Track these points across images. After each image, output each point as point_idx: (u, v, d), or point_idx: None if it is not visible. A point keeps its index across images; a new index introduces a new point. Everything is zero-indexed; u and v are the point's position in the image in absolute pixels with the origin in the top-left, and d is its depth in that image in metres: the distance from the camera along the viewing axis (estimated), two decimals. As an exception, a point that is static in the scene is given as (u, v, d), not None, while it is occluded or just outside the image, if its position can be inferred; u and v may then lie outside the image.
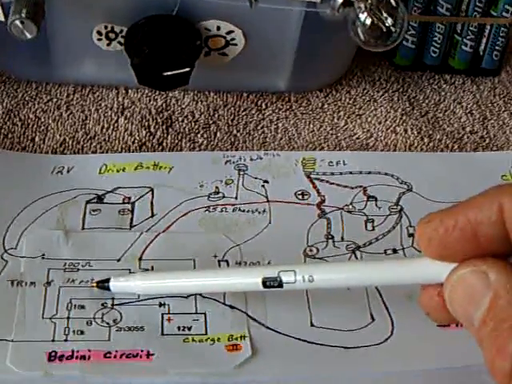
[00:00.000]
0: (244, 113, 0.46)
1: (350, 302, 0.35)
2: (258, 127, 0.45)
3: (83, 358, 0.32)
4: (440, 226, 0.25)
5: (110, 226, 0.38)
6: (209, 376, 0.32)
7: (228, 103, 0.46)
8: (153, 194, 0.40)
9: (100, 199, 0.39)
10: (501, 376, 0.23)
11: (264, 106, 0.46)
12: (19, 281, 0.35)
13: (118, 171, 0.41)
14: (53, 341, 0.32)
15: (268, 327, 0.34)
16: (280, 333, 0.34)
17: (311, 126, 0.46)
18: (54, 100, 0.46)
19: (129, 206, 0.39)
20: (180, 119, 0.45)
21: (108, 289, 0.34)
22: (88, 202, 0.39)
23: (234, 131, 0.44)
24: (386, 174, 0.42)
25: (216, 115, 0.45)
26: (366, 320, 0.35)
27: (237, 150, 0.43)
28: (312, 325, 0.34)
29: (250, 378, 0.32)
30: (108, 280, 0.34)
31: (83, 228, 0.38)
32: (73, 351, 0.32)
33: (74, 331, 0.33)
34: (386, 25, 0.39)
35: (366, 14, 0.39)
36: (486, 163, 0.44)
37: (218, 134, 0.44)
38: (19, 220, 0.38)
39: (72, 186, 0.40)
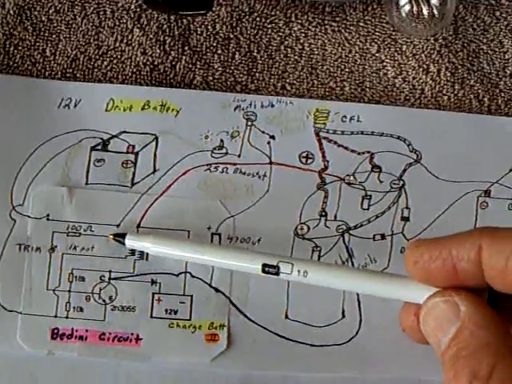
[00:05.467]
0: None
1: (327, 296, 0.38)
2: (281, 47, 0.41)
3: (81, 338, 0.37)
4: (426, 252, 0.29)
5: (112, 181, 0.39)
6: (185, 365, 0.37)
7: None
8: (157, 143, 0.40)
9: (105, 145, 0.39)
10: None
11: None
12: (26, 245, 0.38)
13: (124, 110, 0.40)
14: (55, 316, 0.37)
15: (246, 316, 0.38)
16: (256, 323, 0.38)
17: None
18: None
19: (132, 158, 0.39)
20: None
21: (123, 243, 0.37)
22: (93, 148, 0.39)
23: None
24: (398, 137, 0.40)
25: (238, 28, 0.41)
26: (336, 316, 0.38)
27: (253, 79, 0.41)
28: (287, 317, 0.38)
29: (224, 372, 0.37)
30: (124, 235, 0.37)
31: (87, 183, 0.39)
32: (72, 330, 0.37)
33: (74, 308, 0.37)
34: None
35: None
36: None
37: (237, 56, 0.41)
38: (26, 169, 0.39)
39: (78, 126, 0.39)
